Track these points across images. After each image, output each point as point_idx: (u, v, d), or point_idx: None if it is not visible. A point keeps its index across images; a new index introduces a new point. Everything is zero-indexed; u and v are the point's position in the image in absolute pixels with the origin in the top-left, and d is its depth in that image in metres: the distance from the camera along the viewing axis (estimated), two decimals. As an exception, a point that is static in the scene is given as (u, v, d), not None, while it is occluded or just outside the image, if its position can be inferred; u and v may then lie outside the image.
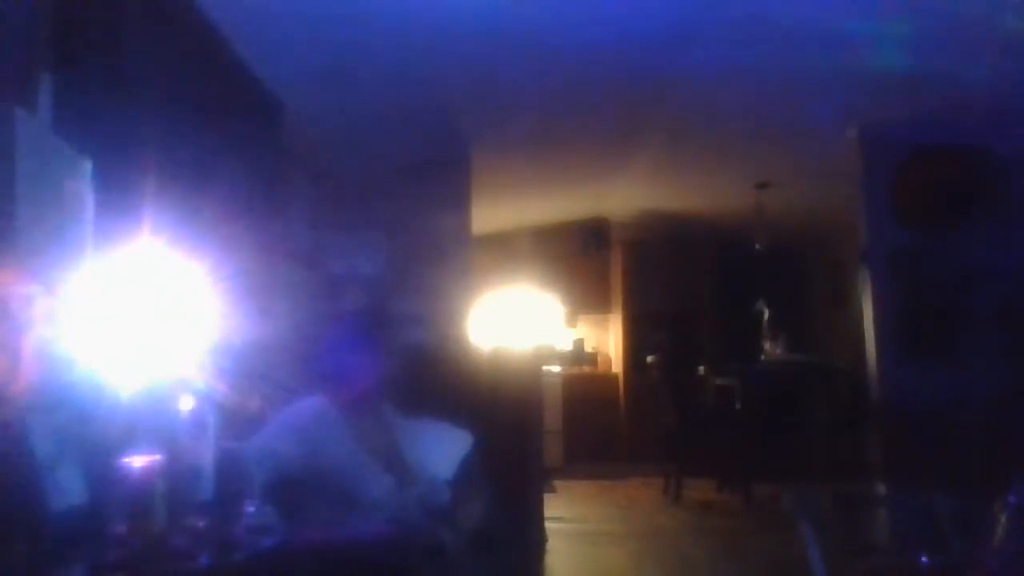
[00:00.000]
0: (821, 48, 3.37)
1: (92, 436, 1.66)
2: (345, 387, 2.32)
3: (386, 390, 2.38)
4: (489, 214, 5.89)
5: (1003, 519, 1.81)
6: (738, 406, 6.11)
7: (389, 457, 2.30)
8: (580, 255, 7.77)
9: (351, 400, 2.32)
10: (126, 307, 1.80)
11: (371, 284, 4.25)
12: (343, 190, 4.53)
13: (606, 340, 8.07)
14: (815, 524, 2.05)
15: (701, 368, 6.71)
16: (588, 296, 7.89)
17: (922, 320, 4.40)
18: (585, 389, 7.53)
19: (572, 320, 7.90)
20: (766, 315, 6.72)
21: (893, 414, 4.34)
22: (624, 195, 6.50)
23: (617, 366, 7.82)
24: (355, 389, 2.33)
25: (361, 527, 2.15)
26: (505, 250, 7.44)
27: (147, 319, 1.84)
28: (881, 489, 4.34)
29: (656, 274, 7.68)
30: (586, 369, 7.81)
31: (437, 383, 2.52)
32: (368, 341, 2.35)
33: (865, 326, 4.61)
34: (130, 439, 1.72)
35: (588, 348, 7.95)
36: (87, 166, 1.81)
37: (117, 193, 1.88)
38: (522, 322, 7.45)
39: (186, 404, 1.97)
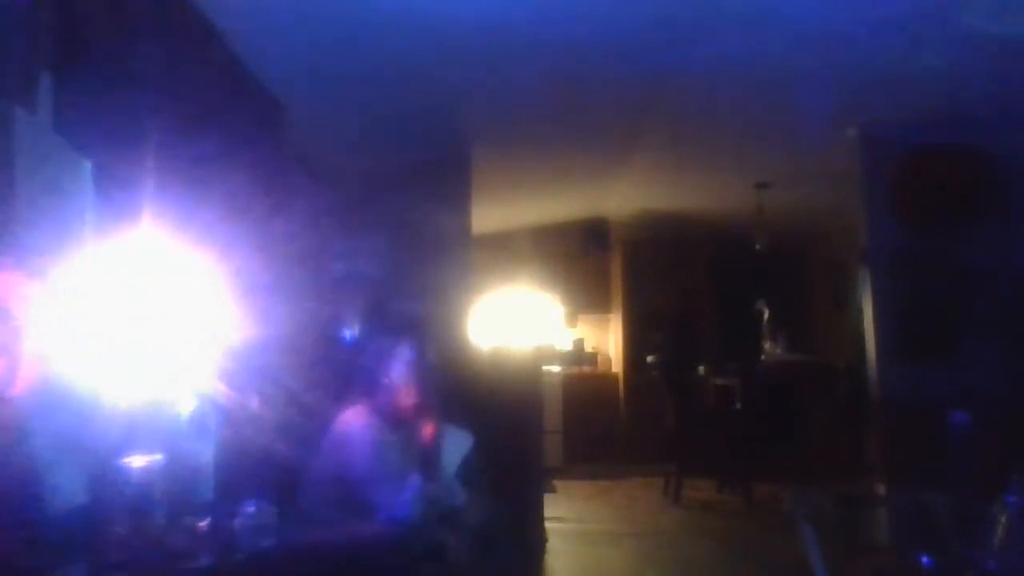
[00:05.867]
0: (821, 47, 3.37)
1: (92, 436, 1.66)
2: (392, 401, 2.37)
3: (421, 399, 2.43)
4: (489, 214, 5.89)
5: (1002, 519, 1.82)
6: (738, 406, 6.11)
7: (417, 457, 2.34)
8: (580, 255, 7.76)
9: (397, 412, 2.37)
10: (126, 307, 1.80)
11: (370, 284, 4.25)
12: (343, 190, 4.53)
13: (606, 340, 8.07)
14: (815, 524, 2.05)
15: (701, 368, 6.71)
16: (588, 296, 7.89)
17: (922, 320, 4.39)
18: (585, 389, 7.53)
19: (572, 320, 7.90)
20: (766, 315, 6.72)
21: (893, 414, 4.34)
22: (624, 195, 6.50)
23: (617, 366, 7.82)
24: (401, 402, 2.38)
25: (361, 527, 2.16)
26: (505, 250, 7.44)
27: (147, 319, 1.84)
28: (881, 489, 4.34)
29: (656, 274, 7.67)
30: (586, 369, 7.80)
31: (439, 383, 2.52)
32: (413, 359, 2.40)
33: (865, 326, 4.61)
34: (130, 439, 1.72)
35: (588, 348, 7.95)
36: (87, 166, 1.81)
37: (117, 193, 1.88)
38: (522, 322, 7.45)
39: (186, 404, 1.97)
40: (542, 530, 4.22)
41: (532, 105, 4.11)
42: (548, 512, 4.35)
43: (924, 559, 1.93)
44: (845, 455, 6.09)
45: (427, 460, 2.37)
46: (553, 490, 5.79)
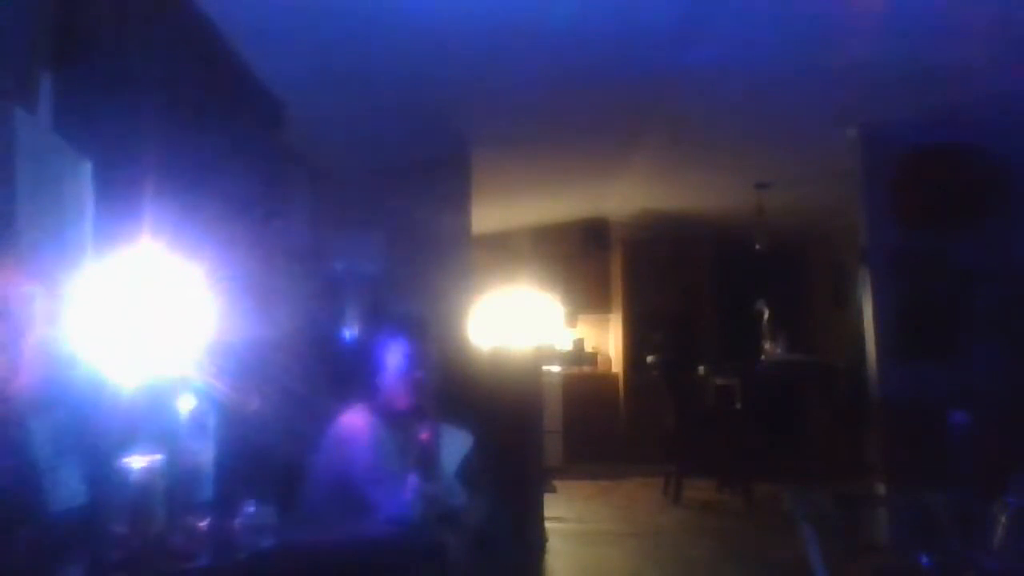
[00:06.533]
0: (821, 47, 3.37)
1: (92, 436, 1.66)
2: (391, 401, 2.37)
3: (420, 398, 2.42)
4: (489, 214, 5.89)
5: (1002, 519, 1.82)
6: (738, 406, 6.11)
7: (416, 457, 2.35)
8: (580, 255, 7.76)
9: (396, 412, 2.37)
10: (126, 307, 1.80)
11: (371, 283, 4.25)
12: (343, 190, 4.53)
13: (606, 340, 8.07)
14: (815, 524, 2.05)
15: (701, 368, 6.71)
16: (588, 296, 7.89)
17: (922, 320, 4.39)
18: (585, 389, 7.53)
19: (572, 320, 7.90)
20: (766, 315, 6.72)
21: (893, 414, 4.33)
22: (624, 195, 6.50)
23: (617, 366, 7.82)
24: (400, 402, 2.37)
25: (361, 527, 2.16)
26: (505, 250, 7.44)
27: (147, 319, 1.84)
28: (881, 489, 4.34)
29: (656, 274, 7.68)
30: (586, 369, 7.81)
31: (438, 383, 2.52)
32: (412, 360, 2.39)
33: (865, 326, 4.61)
34: (130, 439, 1.72)
35: (588, 348, 7.95)
36: (87, 166, 1.81)
37: (117, 193, 1.88)
38: (522, 322, 7.45)
39: (186, 404, 1.97)
40: (542, 530, 4.22)
41: (532, 105, 4.11)
42: (548, 512, 4.35)
43: (924, 559, 1.93)
44: (845, 455, 6.09)
45: (427, 460, 2.37)
46: (553, 490, 5.79)
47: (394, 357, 2.41)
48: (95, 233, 1.80)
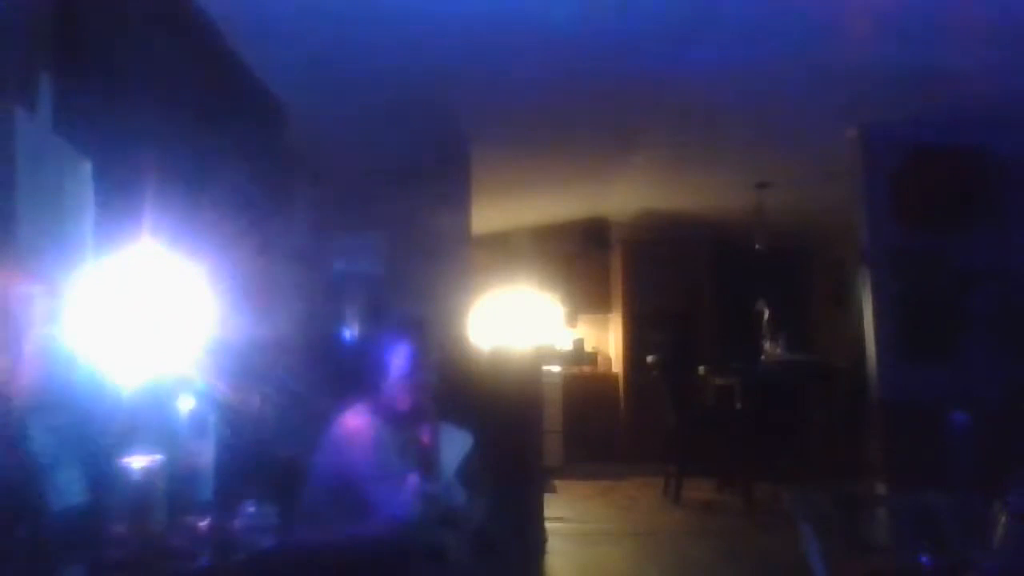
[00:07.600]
0: (821, 47, 3.38)
1: (92, 436, 1.66)
2: (391, 401, 2.36)
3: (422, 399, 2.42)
4: (489, 214, 5.89)
5: (1003, 520, 1.82)
6: (738, 406, 6.10)
7: (416, 458, 2.35)
8: (580, 255, 7.76)
9: (396, 412, 2.37)
10: (126, 307, 1.81)
11: (371, 283, 4.25)
12: (343, 190, 4.53)
13: (606, 340, 8.07)
14: (815, 524, 2.05)
15: (701, 368, 6.70)
16: (588, 296, 7.89)
17: (922, 320, 4.39)
18: (585, 389, 7.53)
19: (572, 320, 7.90)
20: (766, 315, 6.71)
21: (893, 414, 4.34)
22: (624, 195, 6.50)
23: (617, 366, 7.82)
24: (400, 403, 2.37)
25: (361, 527, 2.16)
26: (505, 250, 7.44)
27: (147, 319, 1.84)
28: (881, 489, 4.34)
29: (656, 274, 7.67)
30: (586, 369, 7.80)
31: (438, 383, 2.52)
32: (412, 360, 2.39)
33: (865, 326, 4.61)
34: (130, 439, 1.72)
35: (588, 348, 7.94)
36: (87, 166, 1.81)
37: (117, 193, 1.88)
38: (522, 322, 7.45)
39: (186, 404, 1.97)
40: (542, 530, 4.22)
41: (532, 105, 4.11)
42: (548, 512, 4.35)
43: (924, 559, 1.93)
44: (845, 455, 6.08)
45: (427, 460, 2.37)
46: (553, 490, 5.79)
47: (394, 357, 2.40)
48: (95, 233, 1.80)
